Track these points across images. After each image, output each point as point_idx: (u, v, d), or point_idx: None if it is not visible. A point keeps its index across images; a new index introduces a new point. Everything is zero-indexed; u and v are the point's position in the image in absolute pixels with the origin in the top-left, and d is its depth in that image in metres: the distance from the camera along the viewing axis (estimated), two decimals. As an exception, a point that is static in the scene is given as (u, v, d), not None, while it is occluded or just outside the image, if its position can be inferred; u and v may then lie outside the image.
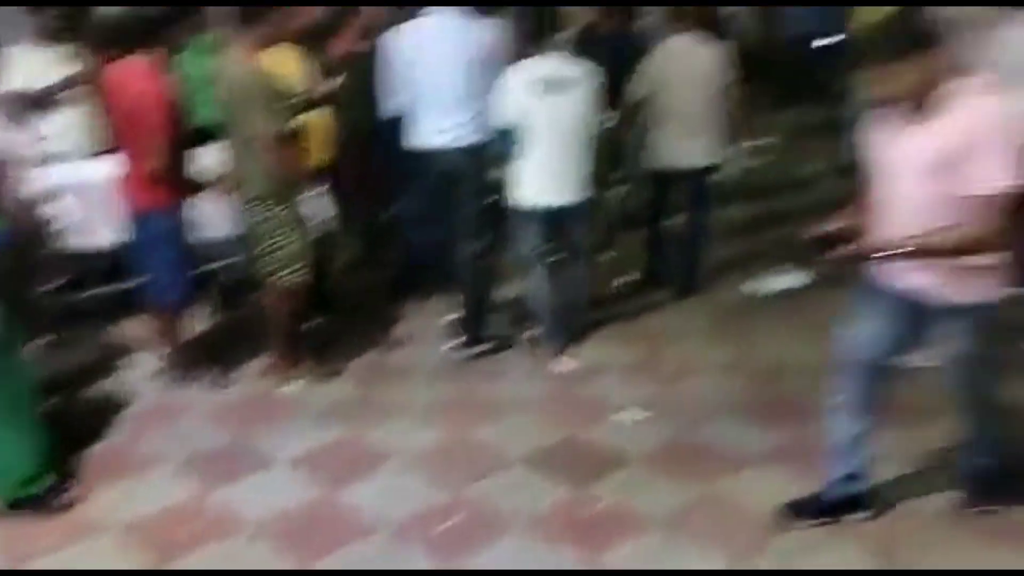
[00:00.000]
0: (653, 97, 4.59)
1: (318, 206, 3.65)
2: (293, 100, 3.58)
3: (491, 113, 3.84)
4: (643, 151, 4.86)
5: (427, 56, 3.89)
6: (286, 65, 3.86)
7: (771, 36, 8.53)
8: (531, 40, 4.05)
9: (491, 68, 3.85)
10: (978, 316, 2.52)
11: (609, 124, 4.14)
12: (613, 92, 4.56)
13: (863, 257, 2.46)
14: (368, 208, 4.85)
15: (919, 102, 2.38)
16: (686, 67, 4.46)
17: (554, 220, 3.96)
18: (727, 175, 4.91)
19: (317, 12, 4.37)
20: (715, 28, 5.01)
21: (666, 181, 4.70)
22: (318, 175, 4.06)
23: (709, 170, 4.61)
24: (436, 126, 3.98)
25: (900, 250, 2.38)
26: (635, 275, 4.94)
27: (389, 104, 4.09)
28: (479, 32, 3.91)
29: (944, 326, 2.58)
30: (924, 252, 2.39)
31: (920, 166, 2.39)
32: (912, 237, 2.37)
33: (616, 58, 4.83)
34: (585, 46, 4.95)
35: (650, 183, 4.86)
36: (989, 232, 2.34)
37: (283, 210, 3.61)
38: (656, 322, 4.52)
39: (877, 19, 2.54)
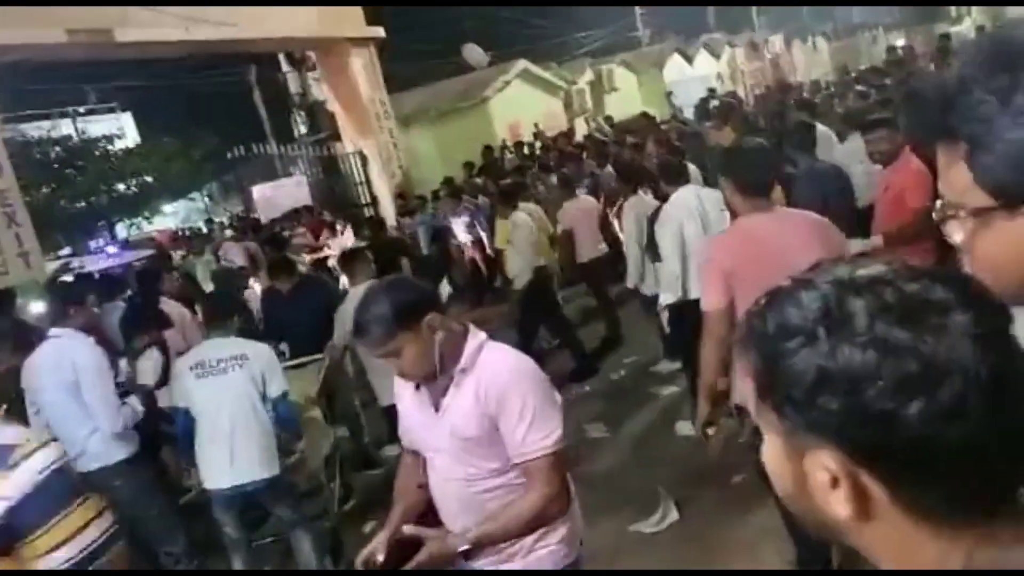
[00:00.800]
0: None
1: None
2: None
3: (113, 430, 3.67)
4: (366, 390, 4.90)
5: (35, 384, 3.75)
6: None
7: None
8: (209, 324, 4.05)
9: (98, 386, 3.68)
10: None
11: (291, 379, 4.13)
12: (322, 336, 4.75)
13: (442, 559, 2.00)
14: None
15: (429, 374, 2.04)
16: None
17: (247, 498, 3.82)
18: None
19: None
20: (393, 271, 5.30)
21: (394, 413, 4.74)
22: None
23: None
24: (68, 450, 3.69)
25: (464, 546, 1.99)
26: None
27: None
28: (72, 354, 3.70)
29: None
30: (489, 541, 2.02)
31: (450, 444, 2.05)
32: (473, 528, 2.01)
33: (314, 306, 4.95)
34: (273, 308, 5.03)
35: (383, 416, 4.90)
36: (548, 500, 2.00)
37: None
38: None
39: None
